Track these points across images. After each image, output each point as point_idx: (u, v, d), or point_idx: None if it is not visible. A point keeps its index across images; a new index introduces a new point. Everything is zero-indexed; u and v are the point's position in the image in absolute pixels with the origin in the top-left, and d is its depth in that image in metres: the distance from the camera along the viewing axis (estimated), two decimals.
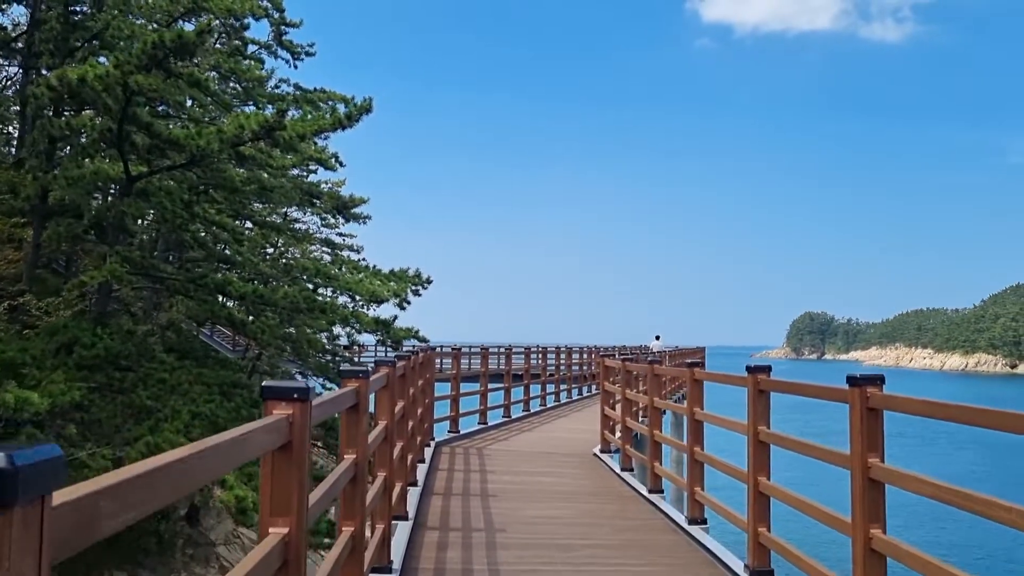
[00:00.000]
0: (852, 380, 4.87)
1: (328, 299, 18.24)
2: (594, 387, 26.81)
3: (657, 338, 34.53)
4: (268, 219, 25.14)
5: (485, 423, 15.33)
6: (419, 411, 9.97)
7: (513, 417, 16.94)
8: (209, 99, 18.76)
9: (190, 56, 14.41)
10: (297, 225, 33.03)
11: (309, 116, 16.51)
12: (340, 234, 39.42)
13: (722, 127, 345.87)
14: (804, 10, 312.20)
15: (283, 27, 26.88)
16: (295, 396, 2.92)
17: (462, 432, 13.91)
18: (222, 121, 18.06)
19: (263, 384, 3.03)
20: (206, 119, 18.53)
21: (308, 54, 28.65)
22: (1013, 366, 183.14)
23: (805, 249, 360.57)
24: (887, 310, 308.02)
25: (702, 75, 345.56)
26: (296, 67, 28.85)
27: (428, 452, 11.35)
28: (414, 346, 42.83)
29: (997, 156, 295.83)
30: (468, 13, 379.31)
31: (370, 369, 5.18)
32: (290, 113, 16.45)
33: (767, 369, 6.49)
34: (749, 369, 6.51)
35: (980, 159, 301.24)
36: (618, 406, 11.66)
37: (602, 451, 12.14)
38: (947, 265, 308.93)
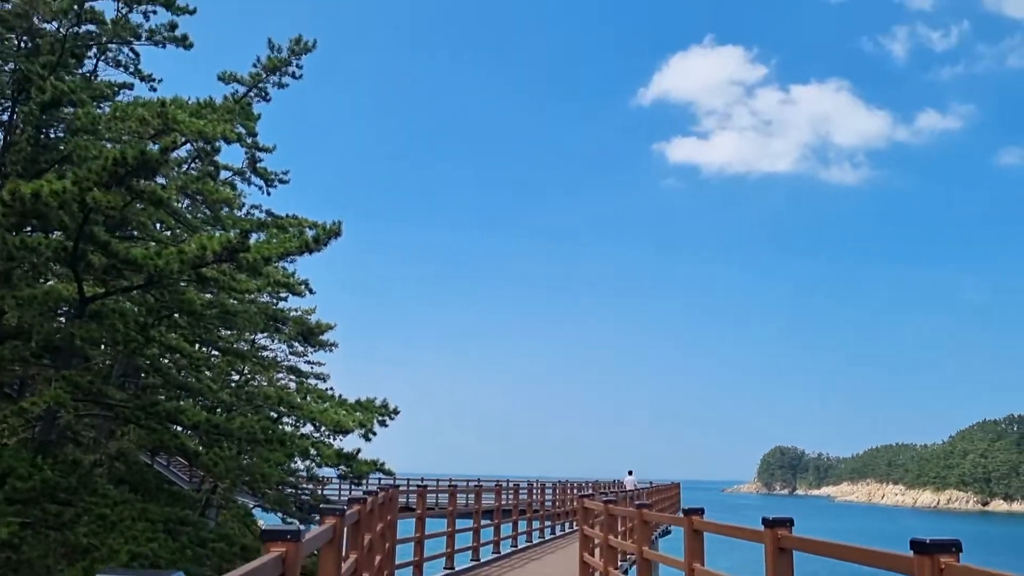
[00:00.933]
0: (766, 522, 5.21)
1: (288, 430, 17.25)
2: (567, 525, 25.44)
3: (630, 473, 33.47)
4: (234, 346, 24.33)
5: (452, 568, 14.16)
6: (377, 559, 8.99)
7: (482, 560, 15.74)
8: (173, 220, 18.30)
9: (153, 174, 14.00)
10: (265, 353, 32.19)
11: (275, 240, 16.04)
12: (308, 362, 38.54)
13: (690, 264, 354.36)
14: (766, 154, 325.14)
15: (257, 153, 26.79)
16: (288, 537, 3.56)
17: None
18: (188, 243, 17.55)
19: (263, 528, 3.71)
20: (171, 242, 18.03)
21: (282, 181, 28.56)
22: (985, 503, 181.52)
23: (776, 384, 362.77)
24: (858, 445, 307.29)
25: (668, 213, 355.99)
26: (269, 193, 28.67)
27: None
28: (380, 480, 41.09)
29: (954, 294, 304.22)
30: (437, 148, 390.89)
31: (344, 507, 5.83)
32: (255, 236, 15.99)
33: (700, 511, 7.11)
34: (685, 511, 7.12)
35: (938, 297, 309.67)
36: (597, 550, 10.76)
37: None
38: (915, 401, 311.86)
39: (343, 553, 5.98)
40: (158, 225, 19.63)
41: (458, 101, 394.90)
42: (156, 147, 13.63)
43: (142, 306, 17.96)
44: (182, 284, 16.67)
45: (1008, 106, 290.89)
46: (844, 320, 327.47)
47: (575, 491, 28.87)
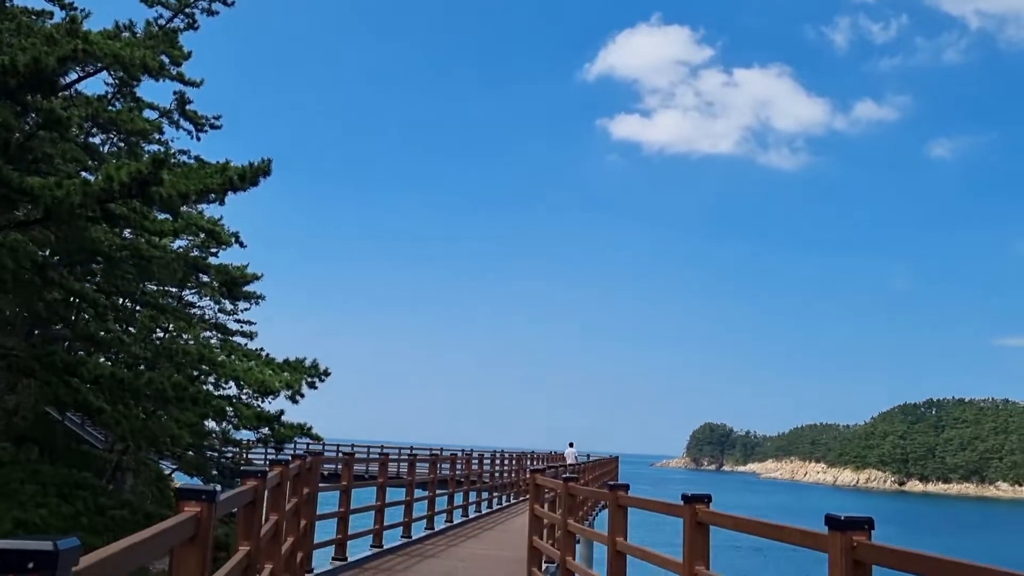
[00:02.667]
0: (685, 498, 5.44)
1: (206, 389, 15.56)
2: (504, 498, 24.24)
3: (571, 445, 32.55)
4: (159, 301, 22.42)
5: (380, 546, 12.77)
6: (289, 540, 7.57)
7: (415, 537, 14.37)
8: (83, 152, 16.31)
9: (51, 90, 12.13)
10: (193, 311, 30.24)
11: (194, 174, 14.27)
12: (238, 321, 36.55)
13: (626, 240, 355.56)
14: (708, 135, 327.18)
15: (186, 94, 24.57)
16: (203, 497, 3.48)
17: (350, 560, 11.31)
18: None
19: (178, 487, 3.76)
20: (74, 173, 16.05)
21: (213, 126, 26.37)
22: (901, 483, 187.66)
23: (707, 362, 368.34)
24: (784, 424, 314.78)
25: (610, 188, 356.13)
26: (199, 139, 26.44)
27: None
28: (307, 445, 39.27)
29: (882, 281, 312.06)
30: (380, 117, 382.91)
31: (267, 469, 5.58)
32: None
33: (625, 487, 7.30)
34: (610, 487, 7.28)
35: (866, 283, 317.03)
36: (547, 532, 9.49)
37: None
38: (840, 383, 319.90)
39: (263, 518, 5.65)
40: (67, 161, 17.59)
41: (404, 71, 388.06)
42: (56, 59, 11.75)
43: (44, 246, 16.08)
44: (88, 221, 14.83)
45: (941, 99, 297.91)
46: (775, 302, 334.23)
47: (513, 462, 27.75)
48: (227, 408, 15.50)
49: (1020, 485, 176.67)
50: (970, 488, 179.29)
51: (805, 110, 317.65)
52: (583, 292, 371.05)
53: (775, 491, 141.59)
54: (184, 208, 20.66)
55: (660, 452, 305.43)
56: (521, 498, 26.20)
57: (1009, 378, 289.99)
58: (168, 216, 16.77)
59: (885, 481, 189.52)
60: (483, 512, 20.55)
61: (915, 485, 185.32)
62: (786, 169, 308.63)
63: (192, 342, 21.44)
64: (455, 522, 17.54)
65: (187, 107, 24.75)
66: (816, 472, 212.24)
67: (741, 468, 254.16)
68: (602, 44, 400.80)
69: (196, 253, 21.69)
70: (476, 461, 21.14)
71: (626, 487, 7.31)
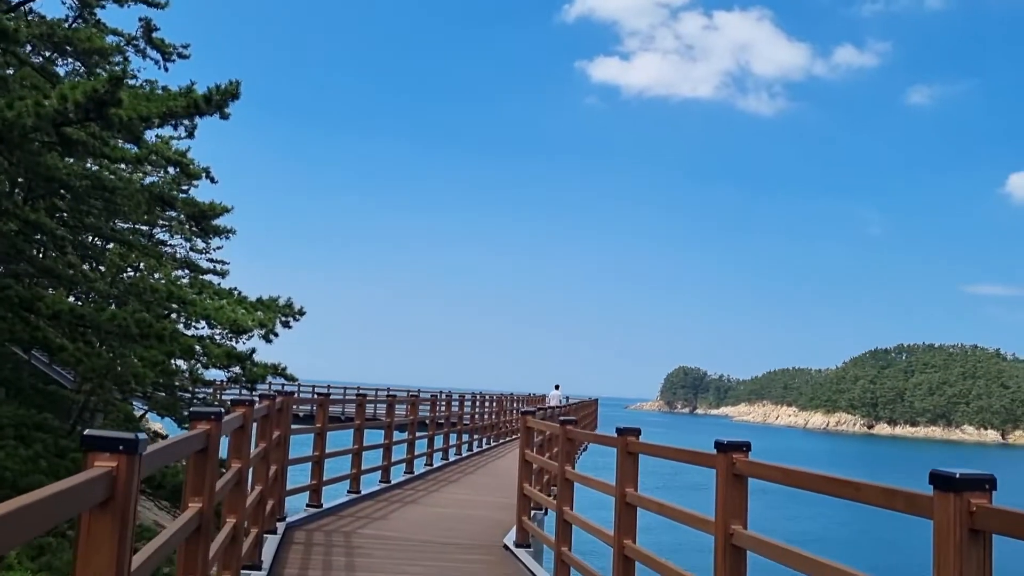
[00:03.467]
0: (719, 446, 4.79)
1: (169, 326, 14.75)
2: (484, 441, 23.83)
3: (556, 388, 32.16)
4: (130, 238, 21.42)
5: (358, 491, 12.18)
6: (257, 488, 6.93)
7: (393, 482, 13.81)
8: (36, 73, 15.15)
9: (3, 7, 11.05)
10: (166, 250, 29.26)
11: (156, 95, 13.25)
12: (211, 260, 35.52)
13: (604, 184, 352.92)
14: (687, 79, 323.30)
15: (152, 21, 23.17)
16: (120, 448, 2.62)
17: (326, 507, 10.70)
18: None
19: (83, 433, 2.69)
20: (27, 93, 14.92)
21: (181, 56, 25.04)
22: (870, 426, 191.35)
23: (682, 306, 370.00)
24: (757, 368, 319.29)
25: (588, 132, 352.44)
26: (167, 69, 25.05)
27: (273, 542, 8.13)
28: (283, 385, 38.41)
29: (857, 227, 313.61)
30: (358, 58, 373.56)
31: (223, 410, 4.77)
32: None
33: (636, 432, 6.54)
34: (619, 431, 6.55)
35: (841, 229, 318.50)
36: (536, 479, 8.90)
37: (518, 544, 9.19)
38: (813, 327, 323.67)
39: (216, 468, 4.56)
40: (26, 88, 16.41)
41: (378, 14, 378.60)
42: None
43: None
44: (44, 147, 13.82)
45: (922, 46, 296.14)
46: (750, 247, 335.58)
47: (494, 404, 27.29)
48: (195, 346, 14.74)
49: (985, 429, 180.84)
50: (936, 431, 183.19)
51: (785, 55, 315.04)
52: (561, 235, 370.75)
53: (743, 433, 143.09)
54: (152, 140, 19.59)
55: (634, 395, 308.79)
56: (501, 440, 25.80)
57: (978, 325, 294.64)
58: (132, 146, 15.76)
59: (854, 424, 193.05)
60: (463, 455, 20.10)
61: (883, 428, 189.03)
62: (764, 114, 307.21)
63: (163, 280, 20.55)
64: (435, 466, 17.05)
65: (153, 35, 23.39)
66: (787, 415, 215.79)
67: (714, 411, 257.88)
68: None
69: (165, 189, 20.65)
70: (456, 403, 20.60)
71: (637, 431, 6.48)
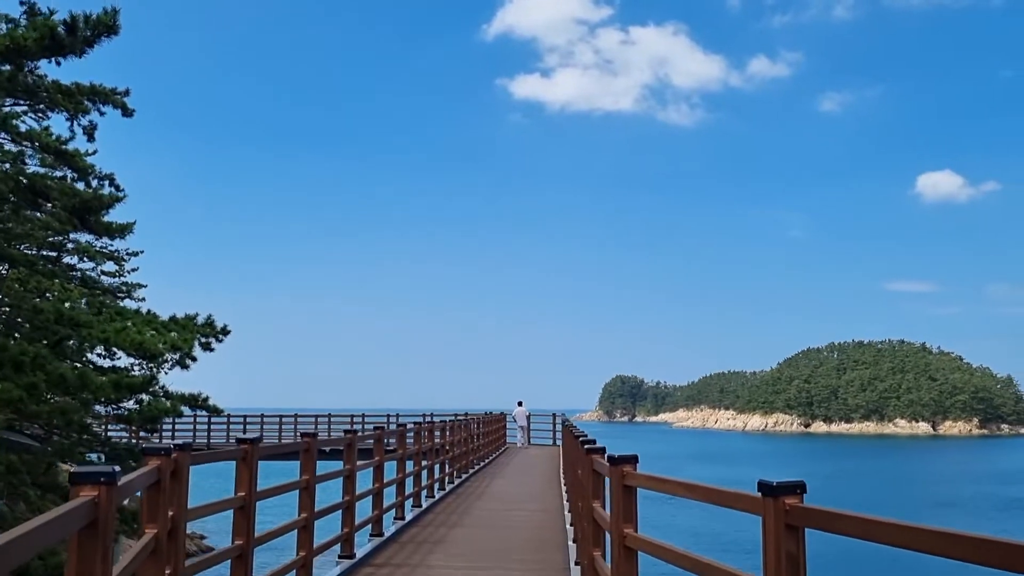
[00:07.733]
0: (611, 460, 5.09)
1: (31, 350, 11.42)
2: (455, 477, 19.30)
3: (520, 404, 29.31)
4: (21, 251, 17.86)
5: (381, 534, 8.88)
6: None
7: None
8: None
9: None
10: (73, 275, 25.71)
11: None
12: (125, 285, 31.86)
13: (533, 198, 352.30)
14: (608, 92, 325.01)
15: (36, 4, 19.61)
16: (102, 480, 3.15)
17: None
18: None
19: (72, 471, 3.25)
20: None
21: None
22: (807, 425, 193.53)
23: (616, 314, 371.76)
24: (693, 373, 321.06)
25: (514, 147, 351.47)
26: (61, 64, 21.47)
27: None
28: (209, 419, 34.08)
29: (780, 231, 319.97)
30: (271, 73, 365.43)
31: (171, 447, 4.92)
32: None
33: (633, 460, 5.29)
34: (611, 460, 5.32)
35: (765, 234, 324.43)
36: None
37: None
38: (746, 331, 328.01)
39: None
40: None
41: (299, 25, 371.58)
42: None
43: None
44: None
45: (830, 55, 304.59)
46: (679, 254, 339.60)
47: (473, 426, 23.51)
48: (66, 375, 11.42)
49: (916, 421, 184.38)
50: (871, 426, 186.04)
51: (702, 67, 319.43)
52: (493, 250, 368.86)
53: (692, 440, 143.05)
54: (24, 128, 16.14)
55: (574, 406, 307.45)
56: (471, 471, 21.29)
57: (898, 320, 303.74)
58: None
59: (792, 424, 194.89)
60: (436, 496, 15.60)
61: (819, 426, 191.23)
62: (684, 125, 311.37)
63: (49, 299, 17.03)
64: (406, 520, 12.87)
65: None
66: (726, 419, 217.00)
67: (653, 418, 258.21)
68: (499, 3, 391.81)
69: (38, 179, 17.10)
70: (427, 431, 16.42)
71: (634, 460, 5.12)
